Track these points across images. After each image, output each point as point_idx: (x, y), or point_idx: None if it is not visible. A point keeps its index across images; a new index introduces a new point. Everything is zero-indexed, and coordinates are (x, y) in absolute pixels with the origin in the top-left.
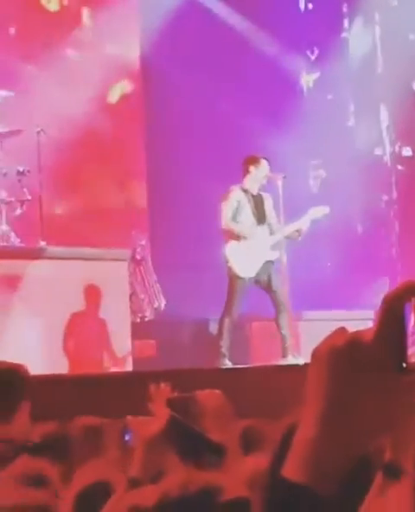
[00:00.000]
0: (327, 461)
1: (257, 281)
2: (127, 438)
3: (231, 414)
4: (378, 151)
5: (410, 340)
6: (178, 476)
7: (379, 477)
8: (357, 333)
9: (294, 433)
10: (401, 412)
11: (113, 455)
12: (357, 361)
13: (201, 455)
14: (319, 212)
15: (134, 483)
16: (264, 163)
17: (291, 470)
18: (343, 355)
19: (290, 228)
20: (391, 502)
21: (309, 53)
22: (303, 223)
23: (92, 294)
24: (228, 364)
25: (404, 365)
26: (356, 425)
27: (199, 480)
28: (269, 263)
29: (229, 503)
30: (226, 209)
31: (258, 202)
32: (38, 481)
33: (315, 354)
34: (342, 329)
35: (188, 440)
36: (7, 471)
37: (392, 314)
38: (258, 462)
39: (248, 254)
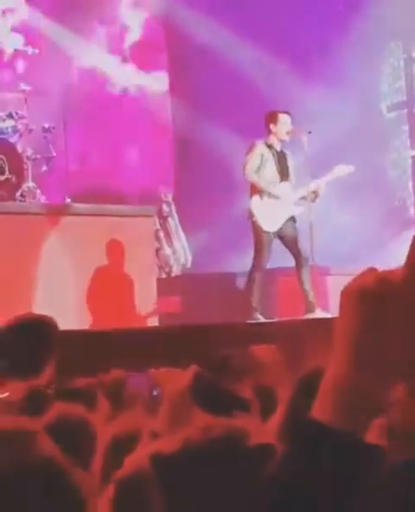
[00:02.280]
0: (355, 400)
1: (280, 236)
2: (155, 393)
3: (285, 369)
4: (406, 106)
5: None
6: (201, 423)
7: None
8: (387, 272)
9: (313, 376)
10: None
11: (139, 407)
12: (386, 300)
13: (227, 412)
14: (343, 170)
15: (157, 437)
16: (283, 118)
17: (320, 410)
18: (372, 293)
19: (314, 185)
20: None
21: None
22: (325, 181)
23: (116, 250)
24: (260, 318)
25: None
26: (384, 364)
27: (222, 425)
28: (292, 218)
29: (254, 449)
30: (250, 162)
31: (281, 159)
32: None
33: (344, 293)
34: (372, 269)
35: (214, 396)
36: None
37: None
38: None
39: (272, 209)
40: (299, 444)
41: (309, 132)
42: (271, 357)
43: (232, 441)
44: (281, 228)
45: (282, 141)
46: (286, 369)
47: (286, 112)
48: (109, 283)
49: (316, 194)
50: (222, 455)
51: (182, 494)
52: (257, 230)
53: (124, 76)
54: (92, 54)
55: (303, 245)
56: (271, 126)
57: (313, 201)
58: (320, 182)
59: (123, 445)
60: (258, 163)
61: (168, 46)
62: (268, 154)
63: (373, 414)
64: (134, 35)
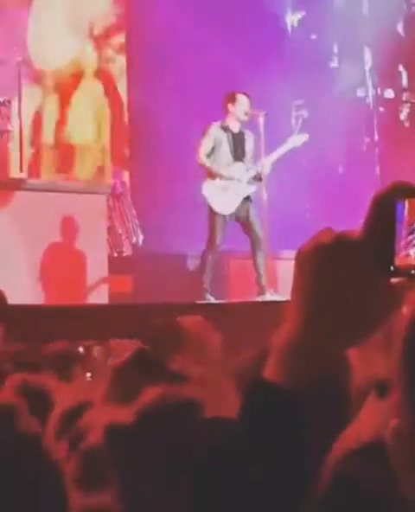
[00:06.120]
0: (307, 361)
1: (237, 217)
2: (110, 361)
3: (215, 342)
4: (360, 93)
5: (402, 242)
6: (155, 391)
7: (371, 395)
8: (344, 231)
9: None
10: (384, 315)
11: (86, 378)
12: (342, 259)
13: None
14: (299, 140)
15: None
16: (242, 99)
17: (271, 371)
18: (328, 251)
19: (267, 161)
20: (377, 416)
21: None
22: (281, 153)
23: (69, 226)
24: (211, 299)
25: (391, 268)
26: (337, 323)
27: (178, 394)
28: (247, 199)
29: (212, 421)
30: (203, 145)
31: (237, 140)
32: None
33: (299, 252)
34: (329, 229)
35: (153, 373)
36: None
37: (380, 213)
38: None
39: (225, 191)
40: (247, 404)
41: (266, 114)
42: (199, 329)
43: (188, 412)
44: (236, 211)
45: (240, 121)
46: (216, 341)
47: (245, 94)
48: (61, 259)
49: (259, 176)
50: (178, 426)
51: (137, 465)
52: (210, 213)
53: (82, 54)
54: (51, 30)
55: (259, 228)
56: (229, 106)
57: (259, 182)
58: (275, 154)
59: (78, 412)
60: (211, 146)
61: (127, 25)
62: (222, 136)
63: (322, 375)
64: (96, 11)
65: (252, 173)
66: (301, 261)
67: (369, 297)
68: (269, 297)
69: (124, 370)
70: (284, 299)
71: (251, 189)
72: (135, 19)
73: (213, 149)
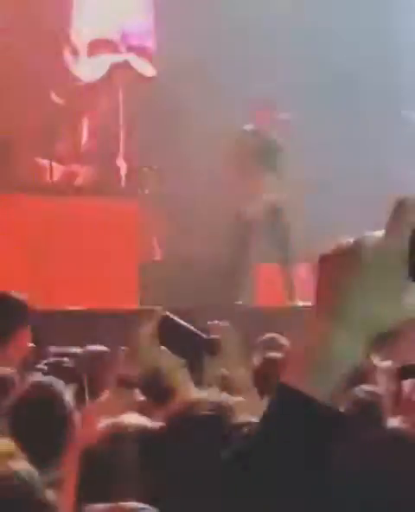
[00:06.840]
0: (325, 366)
1: (265, 224)
2: None
3: (239, 347)
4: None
5: None
6: (184, 397)
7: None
8: (367, 234)
9: None
10: (407, 318)
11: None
12: (364, 260)
13: (195, 351)
14: None
15: (125, 384)
16: (271, 105)
17: (289, 376)
18: (350, 253)
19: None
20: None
21: None
22: None
23: (100, 231)
24: (240, 303)
25: None
26: (357, 329)
27: (206, 401)
28: (276, 206)
29: (238, 426)
30: (235, 153)
31: (267, 147)
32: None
33: (322, 258)
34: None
35: (180, 336)
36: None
37: (404, 217)
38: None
39: (255, 198)
40: (273, 410)
41: (288, 121)
42: (227, 335)
43: (216, 419)
44: (266, 216)
45: (269, 128)
46: (240, 347)
47: (274, 100)
48: (91, 263)
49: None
50: (208, 432)
51: (165, 468)
52: (241, 218)
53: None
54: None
55: (284, 234)
56: (259, 113)
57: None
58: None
59: None
60: (241, 153)
61: (158, 37)
62: (252, 142)
63: (343, 377)
64: (125, 15)
65: (285, 180)
66: (323, 267)
67: (389, 301)
68: (296, 302)
69: (150, 338)
70: (309, 304)
71: (282, 196)
72: (164, 32)
73: (243, 156)
